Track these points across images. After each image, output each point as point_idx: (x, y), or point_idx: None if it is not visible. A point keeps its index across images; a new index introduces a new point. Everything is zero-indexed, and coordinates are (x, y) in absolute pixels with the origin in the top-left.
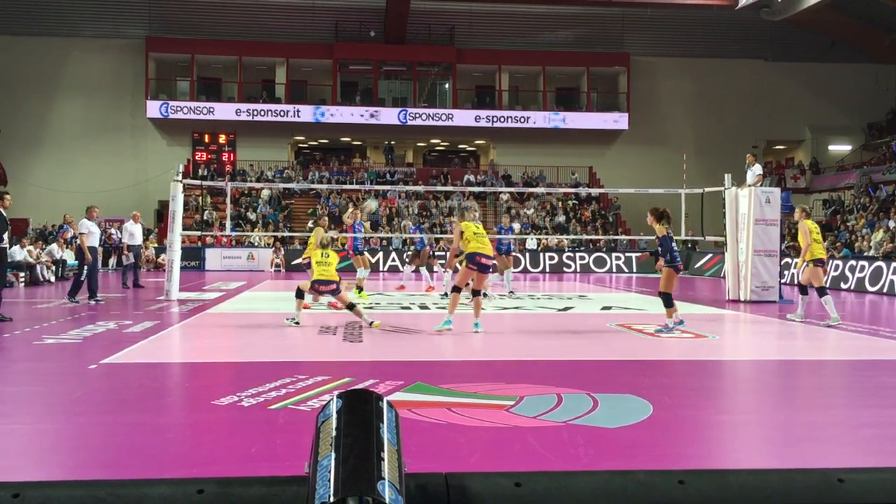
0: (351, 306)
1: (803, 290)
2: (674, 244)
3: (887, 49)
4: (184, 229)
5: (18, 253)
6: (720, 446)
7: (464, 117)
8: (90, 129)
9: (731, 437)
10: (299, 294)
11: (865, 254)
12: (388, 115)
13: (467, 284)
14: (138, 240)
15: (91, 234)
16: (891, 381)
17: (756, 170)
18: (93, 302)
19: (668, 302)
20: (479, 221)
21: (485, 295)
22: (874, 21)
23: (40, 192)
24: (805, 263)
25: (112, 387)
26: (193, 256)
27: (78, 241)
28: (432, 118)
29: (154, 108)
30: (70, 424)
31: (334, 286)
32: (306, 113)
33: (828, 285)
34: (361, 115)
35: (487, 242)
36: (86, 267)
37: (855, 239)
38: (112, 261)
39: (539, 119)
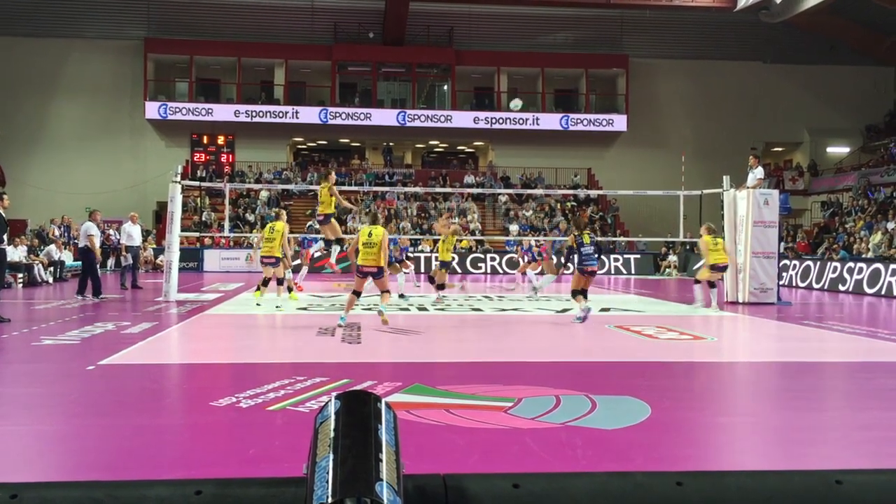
0: (280, 280)
1: (711, 285)
2: (583, 249)
3: (886, 51)
4: (182, 230)
5: (13, 253)
6: (718, 448)
7: (462, 119)
8: (89, 130)
9: (729, 438)
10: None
11: (863, 256)
12: (387, 117)
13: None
14: (137, 241)
15: (97, 236)
16: (889, 384)
17: (758, 172)
18: (80, 298)
19: (573, 295)
20: (378, 225)
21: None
22: (872, 23)
23: (39, 193)
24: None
25: (110, 388)
26: (192, 257)
27: (87, 243)
28: (431, 120)
29: (153, 110)
30: (68, 425)
31: (273, 260)
32: (305, 114)
33: (825, 287)
34: (360, 117)
35: (372, 251)
36: (106, 265)
37: (853, 241)
38: (110, 262)
39: (538, 121)
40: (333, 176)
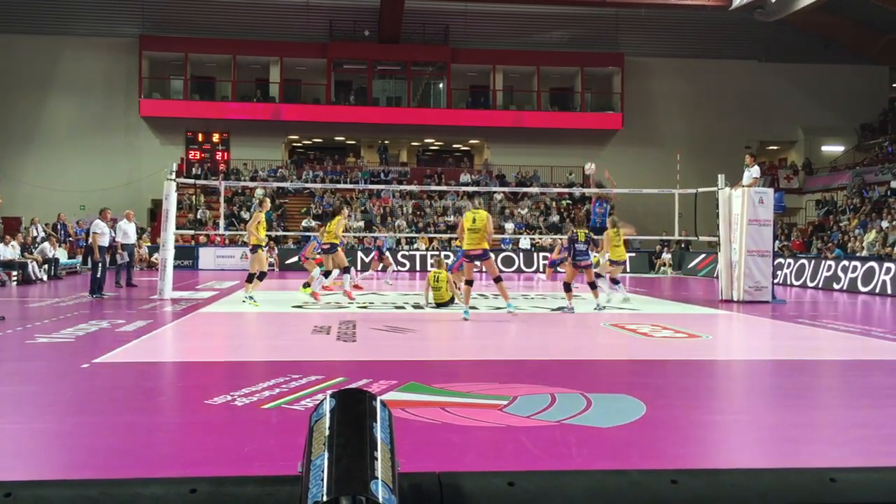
0: (251, 277)
1: (615, 281)
2: (577, 245)
3: (880, 50)
4: (177, 228)
5: (4, 250)
6: (713, 446)
7: (458, 117)
8: (83, 128)
9: (724, 436)
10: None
11: (858, 254)
12: (383, 115)
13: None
14: (132, 238)
15: (103, 234)
16: (883, 382)
17: (754, 171)
18: (94, 297)
19: (566, 288)
20: (481, 209)
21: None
22: (867, 22)
23: (33, 191)
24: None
25: (105, 386)
26: (187, 255)
27: (90, 240)
28: (426, 118)
29: (148, 107)
30: (62, 424)
31: (249, 247)
32: (300, 112)
33: (819, 286)
34: (355, 115)
35: (476, 235)
36: (100, 263)
37: (847, 239)
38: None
39: (533, 119)
40: (346, 211)
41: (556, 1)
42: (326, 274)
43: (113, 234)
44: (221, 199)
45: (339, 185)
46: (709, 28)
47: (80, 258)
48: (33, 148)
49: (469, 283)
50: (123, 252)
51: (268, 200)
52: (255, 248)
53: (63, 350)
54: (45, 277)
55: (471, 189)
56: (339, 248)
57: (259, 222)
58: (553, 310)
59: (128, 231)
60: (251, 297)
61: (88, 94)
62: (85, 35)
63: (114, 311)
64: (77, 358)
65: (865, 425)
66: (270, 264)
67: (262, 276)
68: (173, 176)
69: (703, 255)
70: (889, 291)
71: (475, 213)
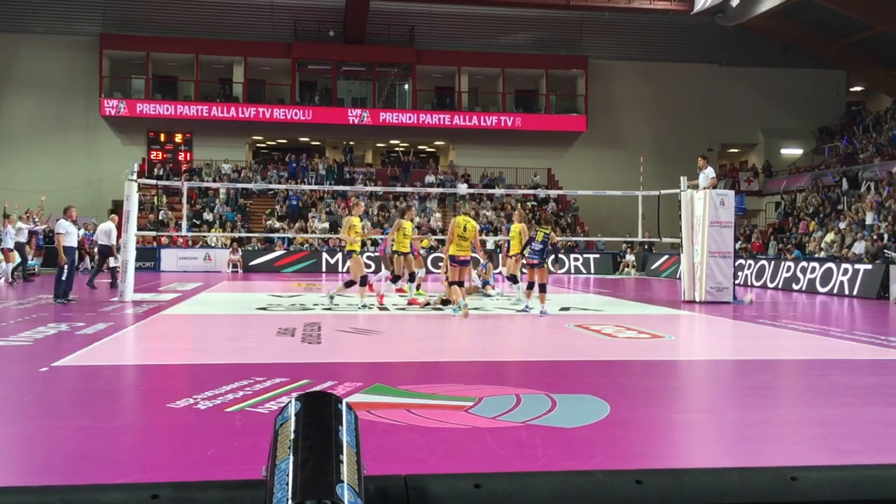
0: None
1: (513, 279)
2: (532, 245)
3: (837, 55)
4: (138, 229)
5: None
6: (676, 446)
7: (423, 118)
8: (42, 128)
9: (687, 436)
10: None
11: (816, 255)
12: (348, 116)
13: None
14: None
15: (68, 234)
16: (841, 381)
17: (709, 173)
18: (59, 302)
19: (528, 286)
20: (472, 220)
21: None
22: (825, 27)
23: None
24: (509, 257)
25: (64, 390)
26: (148, 257)
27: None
28: (392, 119)
29: (108, 107)
30: (20, 429)
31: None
32: (264, 112)
33: (779, 286)
34: (320, 115)
35: (465, 243)
36: (65, 267)
37: (806, 241)
38: (74, 261)
39: (498, 120)
40: (410, 212)
41: (520, 3)
42: (395, 279)
43: (82, 235)
44: (184, 200)
45: (302, 186)
46: (671, 32)
47: (38, 260)
48: None
49: (459, 283)
50: (118, 254)
51: (361, 203)
52: (349, 253)
53: (21, 353)
54: (1, 281)
55: (436, 190)
56: (409, 254)
57: (351, 226)
58: (518, 311)
59: (112, 233)
60: (332, 298)
61: (47, 93)
62: (43, 33)
63: (74, 313)
64: (35, 361)
65: (825, 424)
66: (234, 266)
67: (349, 284)
68: (134, 176)
69: (666, 257)
70: (846, 292)
71: (467, 221)
